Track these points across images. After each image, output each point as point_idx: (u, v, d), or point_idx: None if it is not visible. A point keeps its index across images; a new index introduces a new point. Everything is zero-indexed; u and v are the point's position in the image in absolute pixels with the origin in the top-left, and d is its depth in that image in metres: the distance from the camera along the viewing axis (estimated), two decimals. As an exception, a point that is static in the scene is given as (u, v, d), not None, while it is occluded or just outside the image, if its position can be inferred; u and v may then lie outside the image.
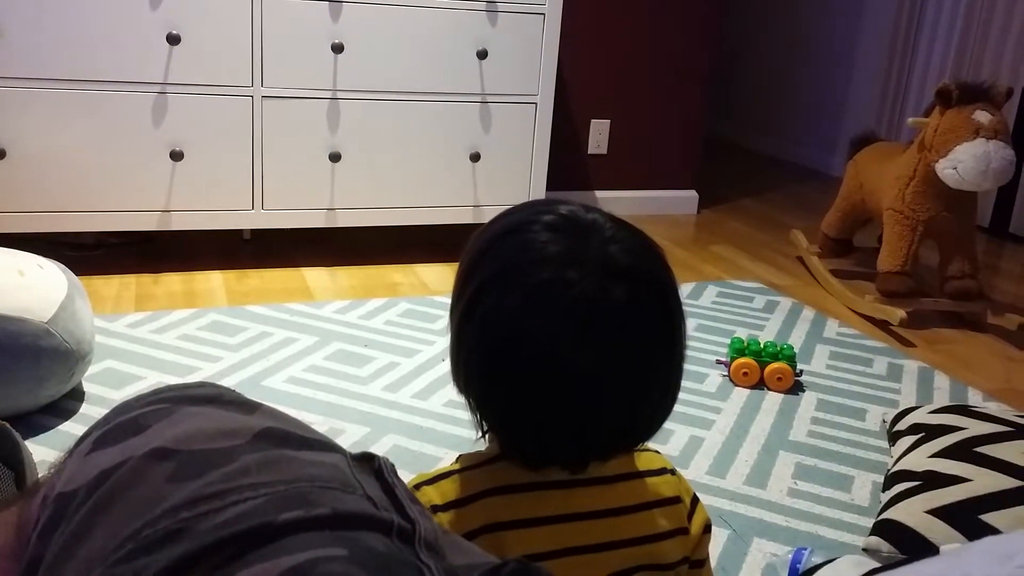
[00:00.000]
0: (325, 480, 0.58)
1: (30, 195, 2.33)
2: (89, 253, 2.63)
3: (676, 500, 0.91)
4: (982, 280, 2.70)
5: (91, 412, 1.73)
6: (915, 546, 1.34)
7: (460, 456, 0.91)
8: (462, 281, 0.82)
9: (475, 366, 0.80)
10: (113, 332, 2.09)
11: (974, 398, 2.15)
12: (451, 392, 1.95)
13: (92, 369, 1.88)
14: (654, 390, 0.80)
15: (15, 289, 1.63)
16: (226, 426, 0.62)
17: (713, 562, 1.43)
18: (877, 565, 1.12)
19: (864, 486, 1.71)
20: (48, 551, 0.56)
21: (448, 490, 0.85)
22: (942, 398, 2.15)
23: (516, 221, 0.81)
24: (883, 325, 2.58)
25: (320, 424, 1.77)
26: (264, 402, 0.70)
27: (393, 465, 0.65)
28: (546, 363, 0.75)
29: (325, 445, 0.64)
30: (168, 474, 0.57)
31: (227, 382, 1.90)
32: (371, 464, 0.64)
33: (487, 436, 0.87)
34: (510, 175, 2.80)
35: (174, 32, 2.33)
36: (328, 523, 0.53)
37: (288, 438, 0.62)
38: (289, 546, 0.50)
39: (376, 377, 2.01)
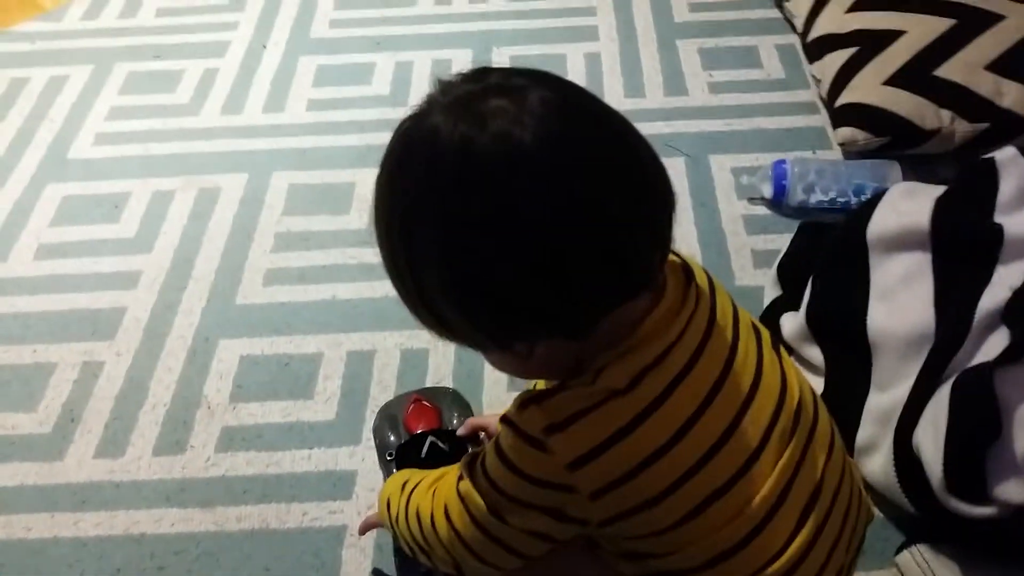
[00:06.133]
0: None
1: None
2: None
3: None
4: None
5: None
6: (887, 124, 1.30)
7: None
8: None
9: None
10: None
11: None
12: (322, 84, 1.61)
13: None
14: None
15: None
16: None
17: (686, 199, 1.35)
18: (925, 186, 1.07)
19: (770, 54, 1.62)
20: None
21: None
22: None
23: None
24: None
25: (185, 190, 1.41)
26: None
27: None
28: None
29: None
30: None
31: (22, 169, 1.46)
32: None
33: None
34: None
35: None
36: None
37: None
38: None
39: (202, 98, 1.59)
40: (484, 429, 0.98)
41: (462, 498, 0.67)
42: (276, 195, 1.39)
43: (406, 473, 0.82)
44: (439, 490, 0.71)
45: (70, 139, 1.52)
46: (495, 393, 1.09)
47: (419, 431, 0.98)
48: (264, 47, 1.69)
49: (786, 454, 0.64)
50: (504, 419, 0.63)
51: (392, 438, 1.00)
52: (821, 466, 0.67)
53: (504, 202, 0.53)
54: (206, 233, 1.34)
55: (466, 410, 1.04)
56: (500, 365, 0.66)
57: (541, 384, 0.73)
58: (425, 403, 1.02)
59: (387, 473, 0.98)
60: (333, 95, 1.58)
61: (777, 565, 0.64)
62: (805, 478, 0.65)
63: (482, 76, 0.57)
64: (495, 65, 0.59)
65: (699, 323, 0.62)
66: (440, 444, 0.96)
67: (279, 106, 1.56)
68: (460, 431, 0.99)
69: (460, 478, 0.68)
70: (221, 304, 1.23)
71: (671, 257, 0.63)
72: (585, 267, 0.54)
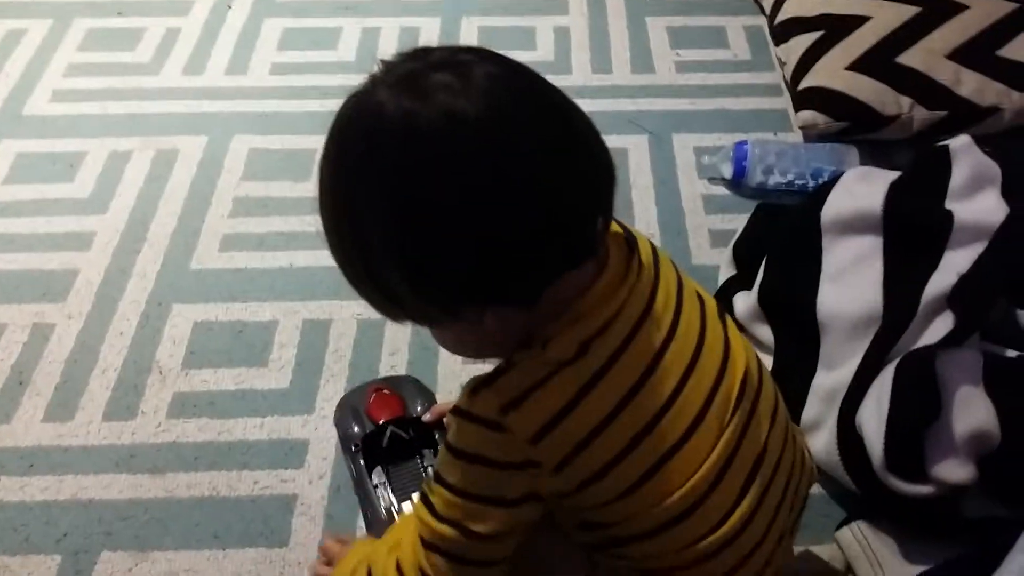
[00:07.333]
0: None
1: None
2: None
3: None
4: None
5: None
6: (847, 109, 1.31)
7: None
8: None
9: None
10: None
11: None
12: (287, 48, 1.59)
13: None
14: None
15: None
16: None
17: (648, 177, 1.36)
18: (880, 171, 1.08)
19: (738, 35, 1.63)
20: None
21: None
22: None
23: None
24: None
25: (142, 151, 1.39)
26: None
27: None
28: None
29: None
30: None
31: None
32: None
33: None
34: None
35: None
36: None
37: None
38: None
39: (163, 58, 1.56)
40: None
41: (432, 547, 0.66)
42: (236, 159, 1.38)
43: (351, 562, 0.76)
44: (404, 558, 0.68)
45: (26, 95, 1.48)
46: (450, 365, 1.09)
47: (384, 420, 0.97)
48: (229, 7, 1.66)
49: (730, 424, 0.65)
50: (455, 410, 0.63)
51: (356, 429, 0.98)
52: (764, 434, 0.69)
53: (448, 172, 0.53)
54: (162, 196, 1.32)
55: (429, 398, 1.03)
56: (449, 341, 0.66)
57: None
58: (387, 391, 1.00)
59: (354, 465, 0.97)
60: (298, 59, 1.56)
61: (721, 532, 0.66)
62: (749, 447, 0.67)
63: (424, 54, 0.57)
64: (436, 43, 0.59)
65: (642, 292, 0.63)
66: (401, 433, 0.96)
67: (242, 68, 1.54)
68: (426, 417, 0.98)
69: (419, 532, 0.66)
70: (176, 269, 1.22)
71: (615, 228, 0.64)
72: (528, 235, 0.55)
